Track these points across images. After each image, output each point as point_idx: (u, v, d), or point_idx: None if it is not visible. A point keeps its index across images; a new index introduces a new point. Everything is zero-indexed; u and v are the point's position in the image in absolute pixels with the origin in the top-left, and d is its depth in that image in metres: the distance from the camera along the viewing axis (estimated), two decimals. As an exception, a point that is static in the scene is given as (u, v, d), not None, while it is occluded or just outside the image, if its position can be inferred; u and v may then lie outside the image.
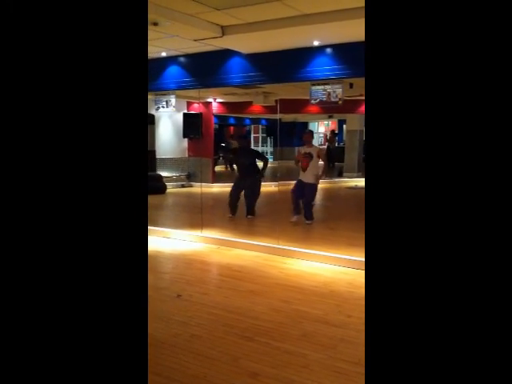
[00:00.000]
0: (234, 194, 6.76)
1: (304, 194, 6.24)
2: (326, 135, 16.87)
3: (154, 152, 9.84)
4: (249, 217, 6.75)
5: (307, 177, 6.24)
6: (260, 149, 17.45)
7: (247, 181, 6.68)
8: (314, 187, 6.29)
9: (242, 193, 6.75)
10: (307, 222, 6.33)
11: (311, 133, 6.69)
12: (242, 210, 6.78)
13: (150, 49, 5.52)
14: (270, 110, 9.37)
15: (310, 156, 6.21)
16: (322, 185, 10.85)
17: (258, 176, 6.75)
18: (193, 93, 6.91)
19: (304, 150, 6.29)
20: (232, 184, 6.92)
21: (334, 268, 4.50)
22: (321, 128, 18.14)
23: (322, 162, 6.53)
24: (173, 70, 6.09)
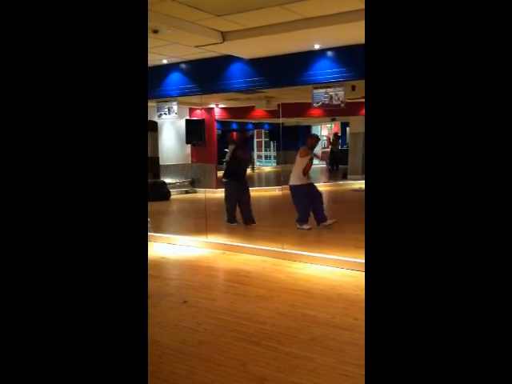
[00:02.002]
0: (235, 199, 6.69)
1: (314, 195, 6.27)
2: (329, 138, 16.85)
3: (157, 159, 9.86)
4: (252, 224, 6.67)
5: (307, 179, 6.33)
6: (263, 153, 17.45)
7: (243, 184, 6.66)
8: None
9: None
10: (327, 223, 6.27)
11: (318, 138, 6.77)
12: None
13: (151, 56, 5.55)
14: (273, 114, 9.38)
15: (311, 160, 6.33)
16: (327, 187, 10.86)
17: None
18: (195, 99, 6.93)
19: (310, 155, 6.31)
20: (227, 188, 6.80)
21: (340, 271, 4.48)
22: (324, 131, 18.12)
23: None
24: (174, 77, 6.11)
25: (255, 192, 6.92)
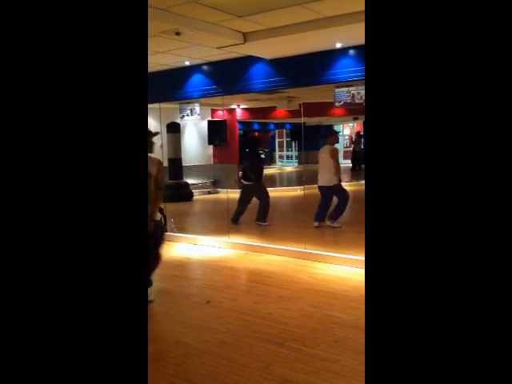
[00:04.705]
0: (247, 202, 6.68)
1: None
2: (351, 137, 16.68)
3: (180, 160, 9.94)
4: (260, 223, 6.61)
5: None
6: (285, 153, 17.40)
7: (256, 186, 6.61)
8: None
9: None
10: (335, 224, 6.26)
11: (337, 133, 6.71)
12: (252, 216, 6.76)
13: (173, 58, 5.60)
14: (294, 114, 9.34)
15: None
16: (349, 187, 10.75)
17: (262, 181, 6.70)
18: (217, 100, 6.97)
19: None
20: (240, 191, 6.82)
21: (364, 272, 4.42)
22: (346, 130, 17.96)
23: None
24: (196, 79, 6.15)
25: (277, 192, 6.89)
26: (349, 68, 4.86)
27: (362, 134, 15.62)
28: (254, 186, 6.62)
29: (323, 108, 8.86)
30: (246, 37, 4.69)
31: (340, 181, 6.30)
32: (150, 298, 3.74)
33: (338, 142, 6.53)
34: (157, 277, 3.97)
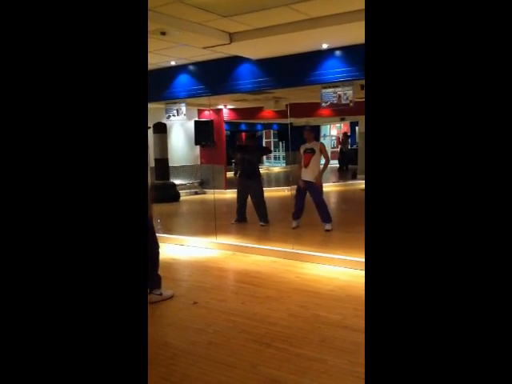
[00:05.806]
0: (241, 199, 6.73)
1: (311, 195, 6.08)
2: (338, 138, 16.78)
3: (166, 160, 9.89)
4: (261, 224, 6.65)
5: (308, 174, 6.02)
6: (272, 153, 17.43)
7: (251, 186, 6.61)
8: (315, 185, 6.04)
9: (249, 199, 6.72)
10: (326, 227, 6.09)
11: (311, 129, 6.56)
12: (253, 217, 6.76)
13: (159, 58, 5.57)
14: (281, 114, 9.36)
15: (312, 151, 6.07)
16: (337, 187, 10.80)
17: (259, 180, 6.70)
18: (203, 100, 6.95)
19: (305, 146, 6.17)
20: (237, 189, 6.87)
21: (350, 271, 4.45)
22: (333, 131, 18.05)
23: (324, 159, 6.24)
24: (183, 79, 6.13)
25: (265, 193, 6.88)
26: (335, 69, 4.89)
27: (349, 134, 15.73)
28: (248, 182, 6.65)
29: (310, 108, 8.89)
30: (232, 37, 4.68)
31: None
32: (169, 293, 3.94)
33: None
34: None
